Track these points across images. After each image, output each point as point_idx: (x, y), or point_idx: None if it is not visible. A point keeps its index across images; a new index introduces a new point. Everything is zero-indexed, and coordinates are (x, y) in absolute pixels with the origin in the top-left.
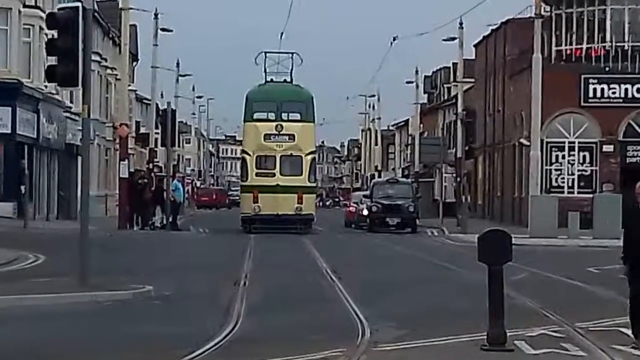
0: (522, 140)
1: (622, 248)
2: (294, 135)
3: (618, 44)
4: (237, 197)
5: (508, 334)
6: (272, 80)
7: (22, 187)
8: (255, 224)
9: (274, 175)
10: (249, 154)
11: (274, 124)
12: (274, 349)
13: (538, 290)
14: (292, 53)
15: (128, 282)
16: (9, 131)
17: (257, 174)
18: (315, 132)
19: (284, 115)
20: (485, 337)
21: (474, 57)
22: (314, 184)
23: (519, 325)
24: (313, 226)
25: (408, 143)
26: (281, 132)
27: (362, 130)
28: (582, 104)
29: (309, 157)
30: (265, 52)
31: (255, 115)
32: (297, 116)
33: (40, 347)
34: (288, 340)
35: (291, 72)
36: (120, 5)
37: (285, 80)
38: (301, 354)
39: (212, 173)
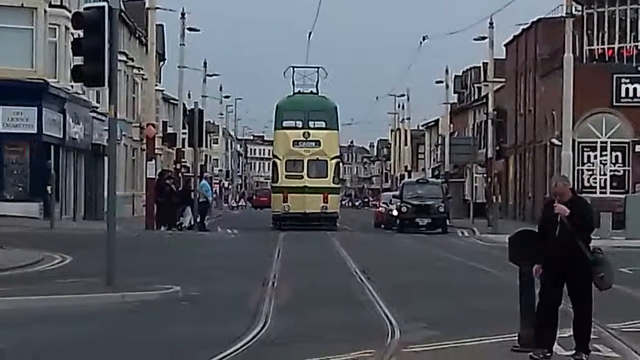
0: (554, 140)
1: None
2: (320, 142)
3: None
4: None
5: None
6: (300, 92)
7: (49, 188)
8: (285, 222)
9: (302, 177)
10: (279, 159)
11: (302, 131)
12: (303, 350)
13: None
14: (318, 67)
15: (155, 282)
16: (35, 131)
17: (286, 176)
18: (339, 138)
19: (311, 124)
20: (517, 338)
21: (504, 56)
22: (338, 185)
23: None
24: (338, 224)
25: (438, 143)
26: (308, 139)
27: (392, 131)
28: (614, 103)
29: (334, 161)
30: (294, 67)
31: (285, 124)
32: (323, 124)
33: (68, 349)
34: (317, 342)
35: (317, 84)
36: (147, 5)
37: (311, 92)
38: (330, 355)
39: (239, 173)
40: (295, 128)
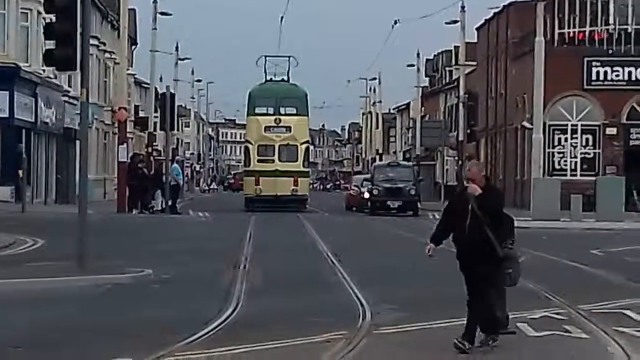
0: (525, 123)
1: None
2: (290, 127)
3: (621, 27)
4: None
5: (510, 317)
6: (271, 80)
7: (20, 171)
8: (257, 204)
9: (273, 161)
10: (251, 143)
11: (273, 117)
12: (274, 332)
13: (541, 272)
14: (289, 56)
15: (127, 265)
16: (7, 115)
17: (258, 161)
18: (309, 124)
19: (282, 110)
20: None
21: (476, 40)
22: (308, 169)
23: (522, 307)
24: (309, 207)
25: (409, 126)
26: (279, 125)
27: (363, 114)
28: (585, 86)
29: (303, 146)
30: (265, 56)
31: (257, 110)
32: (293, 110)
33: (41, 332)
34: (288, 324)
35: (288, 73)
36: None
37: (283, 80)
38: (302, 337)
39: (211, 157)
40: (267, 114)
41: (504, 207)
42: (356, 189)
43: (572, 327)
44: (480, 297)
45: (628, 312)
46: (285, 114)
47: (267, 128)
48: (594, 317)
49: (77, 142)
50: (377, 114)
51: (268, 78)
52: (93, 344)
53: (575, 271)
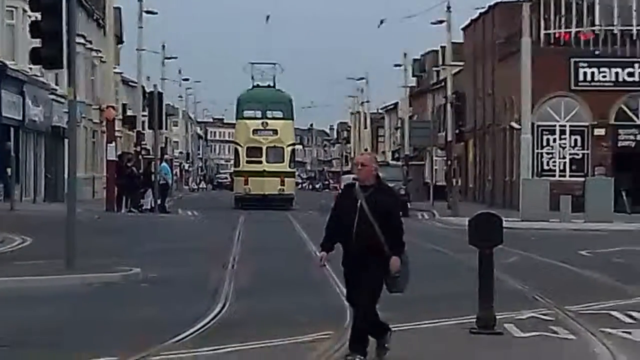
0: (513, 124)
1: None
2: (277, 130)
3: (607, 28)
4: (225, 180)
5: (497, 317)
6: (258, 85)
7: (8, 170)
8: (246, 202)
9: (261, 162)
10: (240, 146)
11: (261, 121)
12: (262, 332)
13: (528, 273)
14: (275, 63)
15: (116, 264)
16: None
17: (247, 162)
18: (294, 127)
19: (269, 114)
20: (475, 320)
21: (462, 40)
22: (294, 170)
23: (509, 308)
24: (298, 206)
25: (398, 126)
26: (266, 128)
27: (352, 114)
28: (573, 87)
29: (289, 148)
30: (252, 63)
31: (245, 114)
32: (280, 114)
33: (28, 330)
34: (276, 323)
35: (274, 79)
36: None
37: (269, 85)
38: (289, 337)
39: (200, 156)
40: (255, 118)
41: (399, 208)
42: None
43: (559, 328)
44: (368, 302)
45: (615, 313)
46: (272, 118)
47: (255, 131)
48: (580, 318)
49: (66, 140)
50: (365, 114)
51: (255, 84)
52: (80, 343)
53: (562, 272)
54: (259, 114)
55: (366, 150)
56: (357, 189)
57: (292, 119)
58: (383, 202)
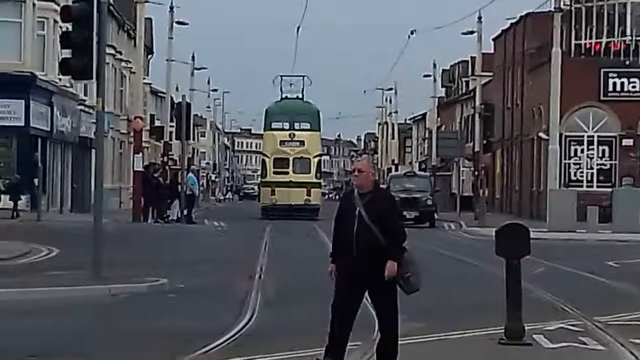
0: (541, 134)
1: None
2: (304, 142)
3: (638, 38)
4: (252, 191)
5: (526, 328)
6: (286, 97)
7: (36, 180)
8: (272, 212)
9: (287, 173)
10: (267, 156)
11: (288, 132)
12: (290, 342)
13: (556, 284)
14: (303, 76)
15: (143, 275)
16: (23, 124)
17: (274, 172)
18: (321, 138)
19: (296, 125)
20: (503, 331)
21: (492, 51)
22: (320, 180)
23: (537, 319)
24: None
25: (425, 137)
26: (294, 139)
27: (379, 124)
28: (602, 97)
29: (316, 159)
30: (282, 76)
31: (273, 125)
32: (307, 126)
33: (56, 341)
34: (303, 334)
35: (302, 91)
36: None
37: (297, 97)
38: (318, 347)
39: (227, 166)
40: (282, 129)
41: (397, 213)
42: None
43: (588, 338)
44: (383, 313)
45: None
46: (299, 129)
47: (282, 142)
48: (610, 329)
49: (93, 151)
50: (393, 124)
51: (284, 96)
52: (107, 353)
53: (591, 282)
54: (286, 125)
55: (362, 154)
56: (356, 196)
57: (319, 130)
58: (381, 207)
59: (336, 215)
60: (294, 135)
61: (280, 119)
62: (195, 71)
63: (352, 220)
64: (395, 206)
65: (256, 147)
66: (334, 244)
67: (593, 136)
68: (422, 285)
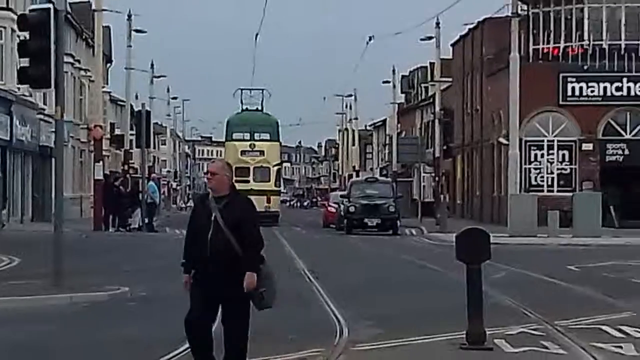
0: (501, 139)
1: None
2: (263, 152)
3: (596, 43)
4: None
5: (487, 333)
6: (247, 109)
7: None
8: None
9: (248, 182)
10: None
11: (248, 142)
12: (251, 349)
13: (517, 288)
14: (262, 89)
15: (104, 283)
16: None
17: (235, 181)
18: (280, 148)
19: (256, 136)
20: (465, 336)
21: (451, 56)
22: (279, 188)
23: (499, 323)
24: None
25: (386, 143)
26: (254, 149)
27: (339, 131)
28: (561, 102)
29: (275, 168)
30: (242, 89)
31: (234, 136)
32: (267, 136)
33: (16, 351)
34: (266, 340)
35: (262, 103)
36: (93, 7)
37: (257, 109)
38: (280, 354)
39: (188, 174)
40: (243, 140)
41: (255, 218)
42: (336, 206)
43: (549, 343)
44: (230, 328)
45: (605, 328)
46: (259, 140)
47: (243, 152)
48: (571, 333)
49: (53, 160)
50: (353, 131)
51: (244, 107)
52: None
53: (552, 287)
54: (247, 135)
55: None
56: (211, 200)
57: (279, 141)
58: (238, 213)
59: (190, 220)
60: (254, 145)
61: (240, 129)
62: (154, 79)
63: (207, 225)
64: (253, 212)
65: (217, 155)
66: (186, 252)
67: (553, 141)
68: (275, 302)
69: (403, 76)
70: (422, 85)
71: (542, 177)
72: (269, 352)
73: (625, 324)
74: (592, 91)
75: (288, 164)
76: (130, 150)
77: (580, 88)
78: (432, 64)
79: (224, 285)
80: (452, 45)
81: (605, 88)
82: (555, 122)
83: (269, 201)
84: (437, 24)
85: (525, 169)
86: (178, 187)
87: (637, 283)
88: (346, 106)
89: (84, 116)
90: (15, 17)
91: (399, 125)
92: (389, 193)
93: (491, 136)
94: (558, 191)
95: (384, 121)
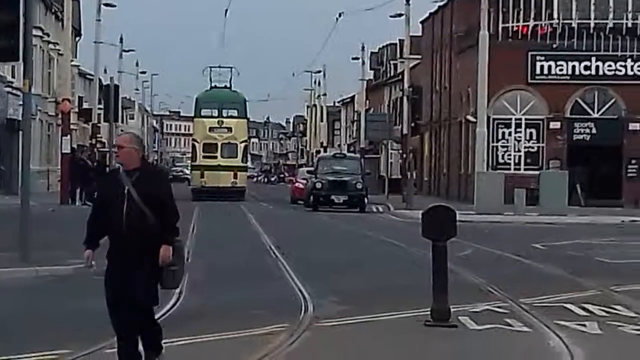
0: (469, 117)
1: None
2: (231, 128)
3: (565, 21)
4: (181, 173)
5: (452, 310)
6: (215, 87)
7: None
8: (202, 194)
9: (216, 157)
10: (197, 142)
11: (217, 119)
12: (217, 325)
13: (483, 266)
14: (231, 67)
15: (69, 257)
16: None
17: (203, 157)
18: (248, 125)
19: (224, 113)
20: (429, 312)
21: (420, 33)
22: (246, 164)
23: (463, 301)
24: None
25: (354, 119)
26: (222, 126)
27: (308, 107)
28: (529, 81)
29: (242, 144)
30: (210, 67)
31: (203, 113)
32: (234, 113)
33: None
34: (231, 316)
35: (230, 80)
36: None
37: (225, 87)
38: (244, 329)
39: (155, 149)
40: (211, 117)
41: (169, 190)
42: (304, 182)
43: (513, 320)
44: (145, 301)
45: (569, 306)
46: (227, 117)
47: (211, 128)
48: (535, 311)
49: (20, 133)
50: (321, 107)
51: (213, 85)
52: (33, 336)
53: (517, 265)
54: (215, 112)
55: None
56: (122, 174)
57: (246, 118)
58: (152, 186)
59: (98, 195)
60: (222, 122)
61: (209, 106)
62: (123, 53)
63: (121, 200)
64: (166, 183)
65: (185, 130)
66: (90, 229)
67: (521, 119)
68: (180, 283)
69: (372, 53)
70: (391, 62)
71: (510, 155)
72: (233, 327)
73: (590, 302)
74: (561, 70)
75: (256, 140)
76: (98, 125)
77: (549, 67)
78: (401, 41)
79: (137, 263)
80: (422, 22)
81: (573, 67)
82: (524, 100)
83: (235, 177)
84: (407, 1)
85: (492, 147)
86: None
87: (602, 262)
88: (315, 82)
89: (52, 90)
90: None
91: (367, 101)
92: (356, 169)
93: (459, 114)
94: (525, 169)
95: (353, 98)
